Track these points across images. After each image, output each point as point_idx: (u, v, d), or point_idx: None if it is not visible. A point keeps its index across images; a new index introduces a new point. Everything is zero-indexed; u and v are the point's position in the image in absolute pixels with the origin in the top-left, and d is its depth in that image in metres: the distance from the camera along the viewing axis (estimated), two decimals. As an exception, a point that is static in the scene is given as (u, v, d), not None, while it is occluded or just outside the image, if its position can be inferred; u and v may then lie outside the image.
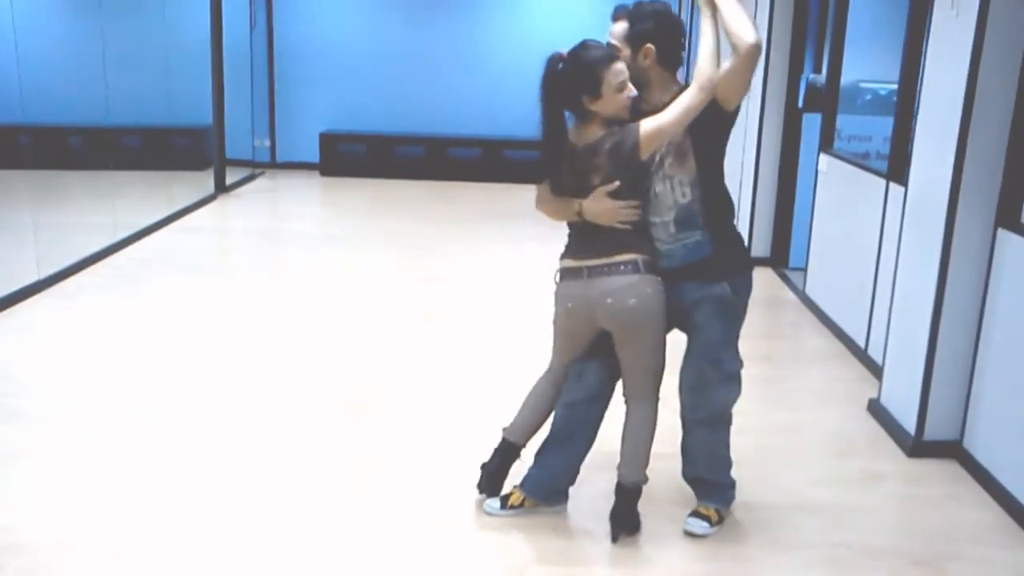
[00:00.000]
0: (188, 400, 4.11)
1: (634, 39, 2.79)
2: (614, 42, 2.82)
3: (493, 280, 6.36)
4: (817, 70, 7.52)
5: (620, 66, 2.74)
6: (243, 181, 10.00)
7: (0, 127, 10.30)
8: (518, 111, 10.64)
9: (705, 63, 2.67)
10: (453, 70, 10.92)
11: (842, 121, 5.76)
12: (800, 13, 6.53)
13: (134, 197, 8.47)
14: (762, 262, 6.85)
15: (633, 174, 2.79)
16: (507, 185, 10.38)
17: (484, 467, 3.20)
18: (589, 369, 3.03)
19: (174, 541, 2.97)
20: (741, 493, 3.24)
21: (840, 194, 5.43)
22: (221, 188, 9.40)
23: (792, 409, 4.23)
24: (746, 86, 2.75)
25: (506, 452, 3.18)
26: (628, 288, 2.80)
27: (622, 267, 2.81)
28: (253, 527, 3.06)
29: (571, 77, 2.78)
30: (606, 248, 2.83)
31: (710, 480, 3.14)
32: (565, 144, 2.84)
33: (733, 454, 3.13)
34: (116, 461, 3.50)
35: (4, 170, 9.82)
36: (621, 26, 2.82)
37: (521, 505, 3.14)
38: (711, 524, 3.09)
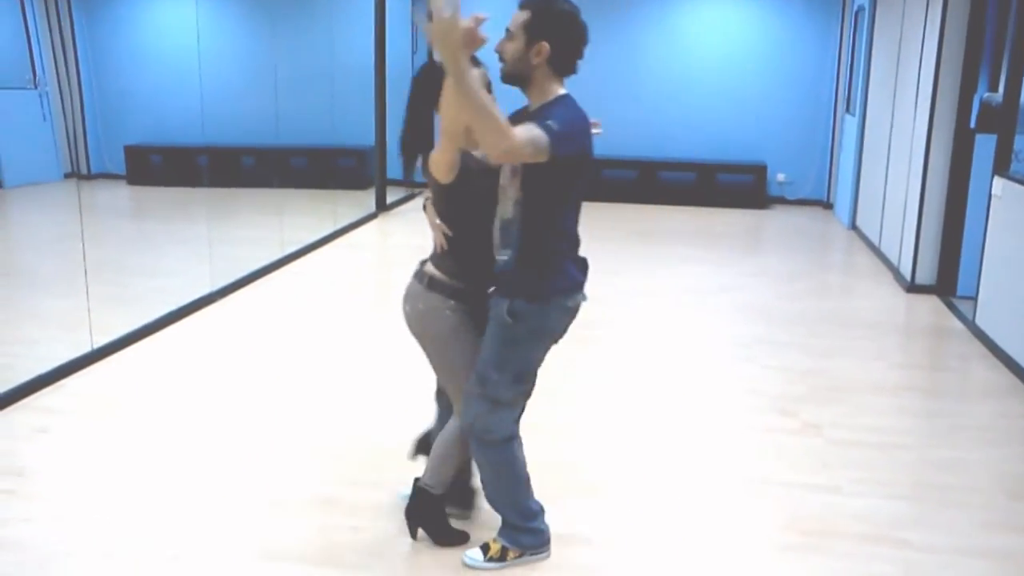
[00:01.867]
0: (344, 404, 4.26)
1: (531, 33, 2.59)
2: (512, 29, 2.63)
3: (632, 300, 6.32)
4: (993, 88, 7.14)
5: (476, 73, 2.54)
6: (403, 200, 10.33)
7: (183, 148, 11.06)
8: (673, 134, 10.76)
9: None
10: (606, 90, 10.96)
11: (1020, 143, 5.44)
12: (975, 28, 6.22)
13: (300, 214, 8.89)
14: (926, 289, 6.56)
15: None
16: (659, 207, 10.38)
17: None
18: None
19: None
20: (899, 528, 3.09)
21: (1017, 219, 5.12)
22: (382, 207, 9.74)
23: (956, 446, 4.00)
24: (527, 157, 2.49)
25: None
26: (408, 296, 2.91)
27: (416, 275, 2.92)
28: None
29: (424, 83, 2.76)
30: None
31: (496, 508, 2.99)
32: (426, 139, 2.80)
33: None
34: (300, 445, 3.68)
35: (184, 188, 10.52)
36: (524, 15, 2.61)
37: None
38: (485, 557, 2.94)
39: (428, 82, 2.72)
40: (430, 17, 2.25)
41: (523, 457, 2.93)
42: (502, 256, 2.74)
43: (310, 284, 6.75)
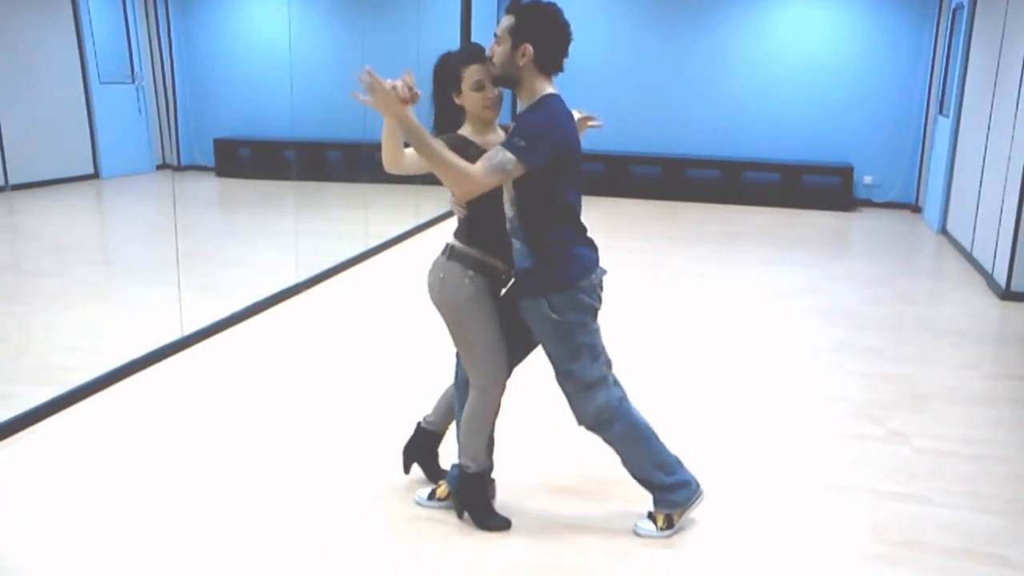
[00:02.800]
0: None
1: (516, 36, 2.76)
2: (498, 33, 2.82)
3: (716, 302, 6.24)
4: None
5: (476, 67, 2.85)
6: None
7: (271, 142, 11.31)
8: (757, 133, 10.61)
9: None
10: (689, 91, 10.87)
11: None
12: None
13: (384, 208, 9.01)
14: (1022, 297, 6.35)
15: None
16: (744, 207, 10.23)
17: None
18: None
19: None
20: (994, 544, 3.00)
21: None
22: (462, 202, 9.78)
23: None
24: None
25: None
26: (432, 267, 3.07)
27: (443, 249, 3.07)
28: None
29: (439, 73, 2.98)
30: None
31: (642, 480, 3.12)
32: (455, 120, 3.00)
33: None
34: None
35: (272, 180, 10.76)
36: (508, 20, 2.79)
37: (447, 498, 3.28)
38: (656, 527, 3.11)
39: (445, 69, 2.97)
40: (371, 89, 2.63)
41: (639, 414, 3.05)
42: (515, 245, 2.91)
43: (392, 278, 6.83)
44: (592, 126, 3.31)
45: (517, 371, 3.16)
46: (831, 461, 3.76)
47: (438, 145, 2.68)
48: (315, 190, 10.19)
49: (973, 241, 7.61)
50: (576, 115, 3.09)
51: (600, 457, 3.28)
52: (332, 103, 10.49)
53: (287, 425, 4.02)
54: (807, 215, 9.99)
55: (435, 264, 3.07)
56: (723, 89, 10.83)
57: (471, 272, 2.98)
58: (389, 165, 2.96)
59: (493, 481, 3.26)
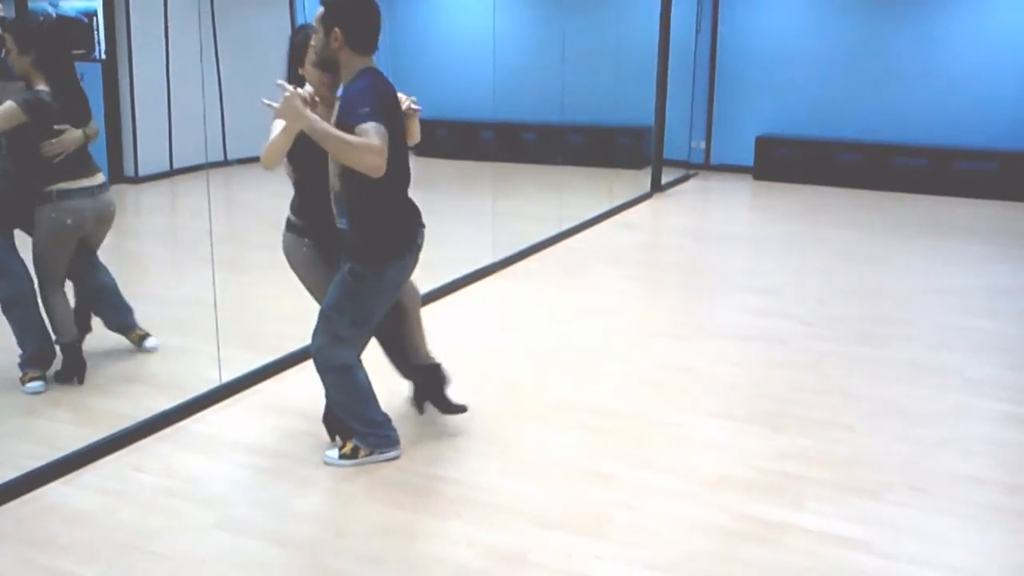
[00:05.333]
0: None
1: (324, 23, 3.06)
2: (315, 24, 3.09)
3: (925, 298, 5.89)
4: None
5: (311, 43, 3.17)
6: (677, 181, 10.24)
7: (472, 123, 11.56)
8: (971, 119, 9.86)
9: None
10: (896, 74, 10.24)
11: None
12: None
13: (578, 191, 9.05)
14: None
15: None
16: (955, 199, 9.57)
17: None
18: None
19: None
20: None
21: None
22: (657, 187, 9.71)
23: None
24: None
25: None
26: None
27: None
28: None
29: (291, 46, 3.38)
30: None
31: (343, 419, 3.49)
32: None
33: None
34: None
35: (472, 161, 11.02)
36: (320, 10, 3.06)
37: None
38: (339, 455, 3.49)
39: (295, 42, 3.38)
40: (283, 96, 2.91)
41: (364, 380, 3.44)
42: (341, 224, 3.24)
43: (585, 261, 6.85)
44: (412, 109, 3.41)
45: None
46: (1054, 476, 3.49)
47: (339, 133, 2.93)
48: (512, 171, 10.36)
49: None
50: (402, 99, 3.31)
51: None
52: (531, 85, 10.68)
53: (484, 397, 4.13)
54: (1028, 209, 9.26)
55: (283, 235, 3.57)
56: (931, 71, 10.10)
57: (305, 240, 3.47)
58: (272, 164, 3.17)
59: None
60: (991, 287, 6.22)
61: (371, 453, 3.49)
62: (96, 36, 9.16)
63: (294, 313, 4.05)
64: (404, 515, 3.14)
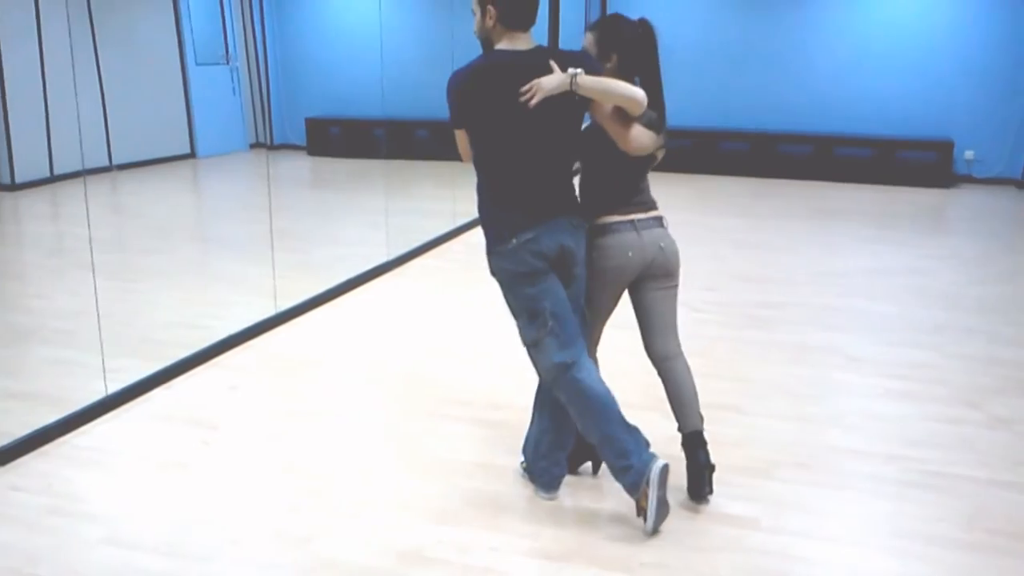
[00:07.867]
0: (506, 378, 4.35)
1: (480, 1, 3.00)
2: (472, 7, 3.05)
3: (811, 281, 6.11)
4: None
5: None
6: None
7: (360, 120, 11.46)
8: (851, 107, 10.27)
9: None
10: (779, 66, 10.60)
11: None
12: None
13: (471, 187, 9.01)
14: None
15: None
16: (836, 184, 9.96)
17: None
18: None
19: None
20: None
21: None
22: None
23: None
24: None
25: None
26: (667, 236, 3.48)
27: (653, 220, 3.46)
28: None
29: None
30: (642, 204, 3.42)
31: (597, 449, 3.10)
32: None
33: None
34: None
35: (363, 159, 10.92)
36: None
37: None
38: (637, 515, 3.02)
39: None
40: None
41: (591, 383, 3.00)
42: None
43: (480, 254, 6.84)
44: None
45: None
46: (928, 446, 3.67)
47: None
48: (404, 168, 10.30)
49: (1083, 219, 7.29)
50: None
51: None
52: (421, 82, 10.63)
53: (379, 398, 4.10)
54: (903, 192, 9.69)
55: (667, 234, 3.52)
56: (813, 62, 10.52)
57: None
58: (640, 110, 3.12)
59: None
60: (870, 268, 6.49)
61: (646, 494, 2.93)
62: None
63: (182, 319, 3.95)
64: (300, 518, 3.10)
